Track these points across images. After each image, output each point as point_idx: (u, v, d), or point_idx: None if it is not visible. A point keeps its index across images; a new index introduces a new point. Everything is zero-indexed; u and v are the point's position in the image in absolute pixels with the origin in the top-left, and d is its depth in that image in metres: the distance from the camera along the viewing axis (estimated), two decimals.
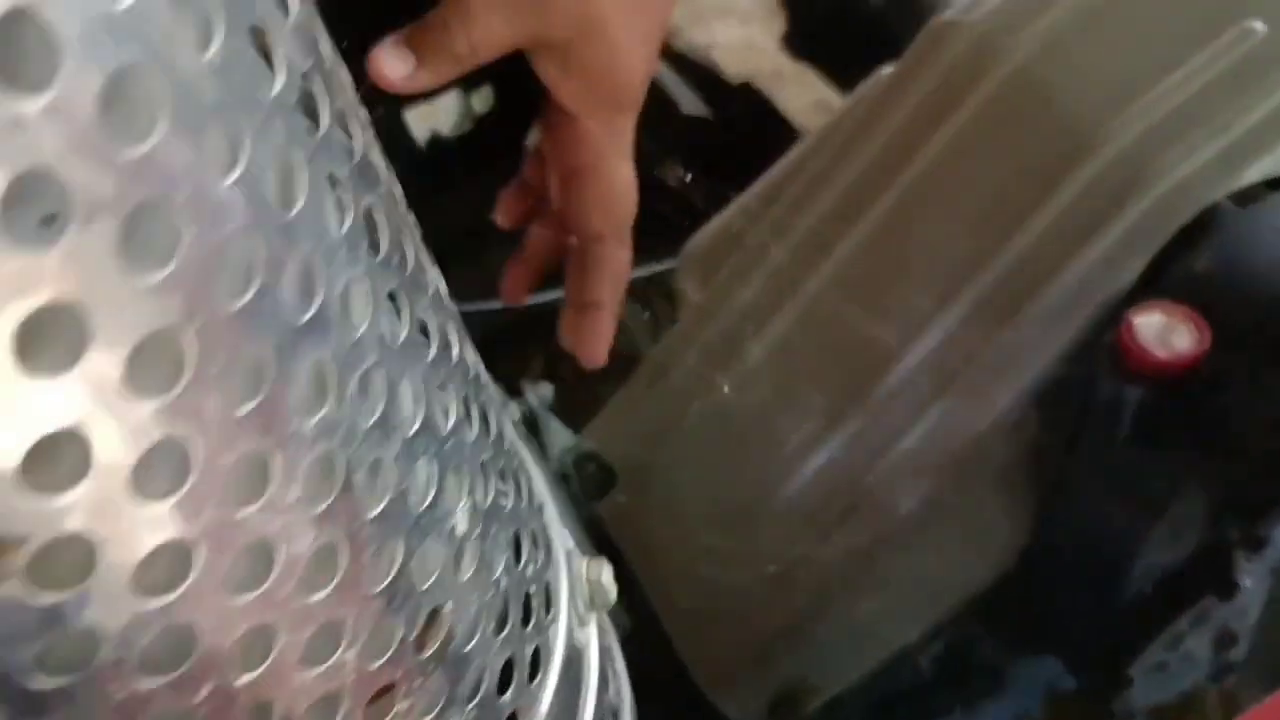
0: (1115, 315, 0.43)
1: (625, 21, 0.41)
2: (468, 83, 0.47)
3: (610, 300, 0.47)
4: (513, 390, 0.58)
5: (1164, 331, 0.40)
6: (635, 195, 0.45)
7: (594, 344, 0.48)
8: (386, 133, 0.47)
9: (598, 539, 0.62)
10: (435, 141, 0.47)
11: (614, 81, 0.42)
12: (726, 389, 0.56)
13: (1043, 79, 0.48)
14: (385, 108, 0.46)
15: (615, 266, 0.46)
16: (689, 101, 0.90)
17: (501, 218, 0.48)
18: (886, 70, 0.58)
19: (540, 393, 0.50)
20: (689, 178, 0.92)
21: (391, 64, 0.40)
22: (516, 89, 0.49)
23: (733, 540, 0.54)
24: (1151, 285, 0.42)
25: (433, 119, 0.46)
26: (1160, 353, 0.39)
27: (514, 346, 0.62)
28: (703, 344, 0.58)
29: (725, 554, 0.55)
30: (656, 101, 0.90)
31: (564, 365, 0.62)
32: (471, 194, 0.53)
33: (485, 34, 0.40)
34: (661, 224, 0.98)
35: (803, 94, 1.84)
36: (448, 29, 0.40)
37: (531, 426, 0.50)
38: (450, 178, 0.51)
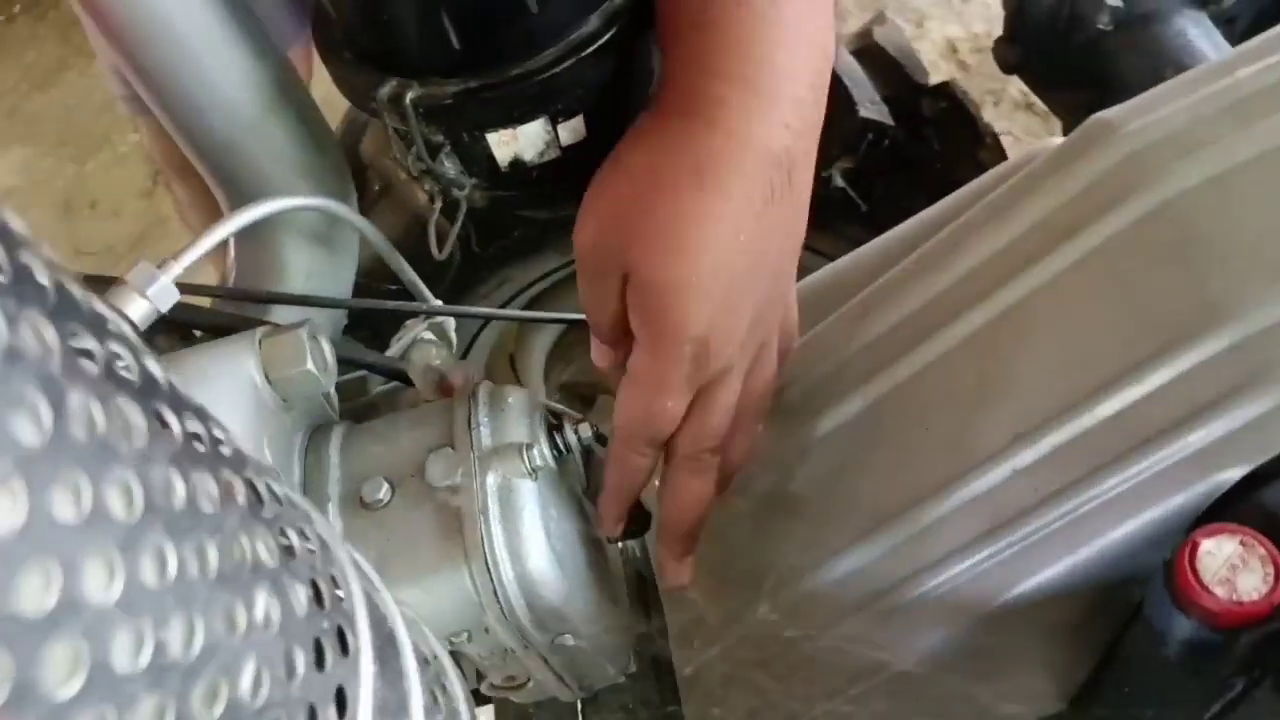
0: (1190, 523, 0.38)
1: (661, 262, 0.42)
2: (556, 114, 0.46)
3: (612, 487, 0.48)
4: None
5: (1233, 566, 0.35)
6: (659, 425, 0.46)
7: (601, 515, 0.50)
8: (470, 151, 0.46)
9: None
10: (516, 163, 0.46)
11: (660, 316, 0.42)
12: (790, 453, 0.53)
13: (1191, 219, 0.41)
14: (468, 133, 0.45)
15: (620, 464, 0.47)
16: (870, 104, 0.83)
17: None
18: (1044, 145, 0.52)
19: (582, 433, 0.49)
20: (844, 180, 0.86)
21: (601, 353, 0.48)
22: (607, 122, 0.47)
23: (761, 603, 0.52)
24: (1239, 503, 0.37)
25: (515, 146, 0.45)
26: (1220, 592, 0.34)
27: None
28: (777, 406, 0.55)
29: (749, 618, 0.53)
30: (835, 99, 0.85)
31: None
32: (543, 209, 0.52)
33: (601, 271, 0.43)
34: (821, 212, 0.94)
35: (1000, 106, 1.71)
36: (610, 298, 0.44)
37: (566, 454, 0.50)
38: (528, 196, 0.49)
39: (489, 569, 0.43)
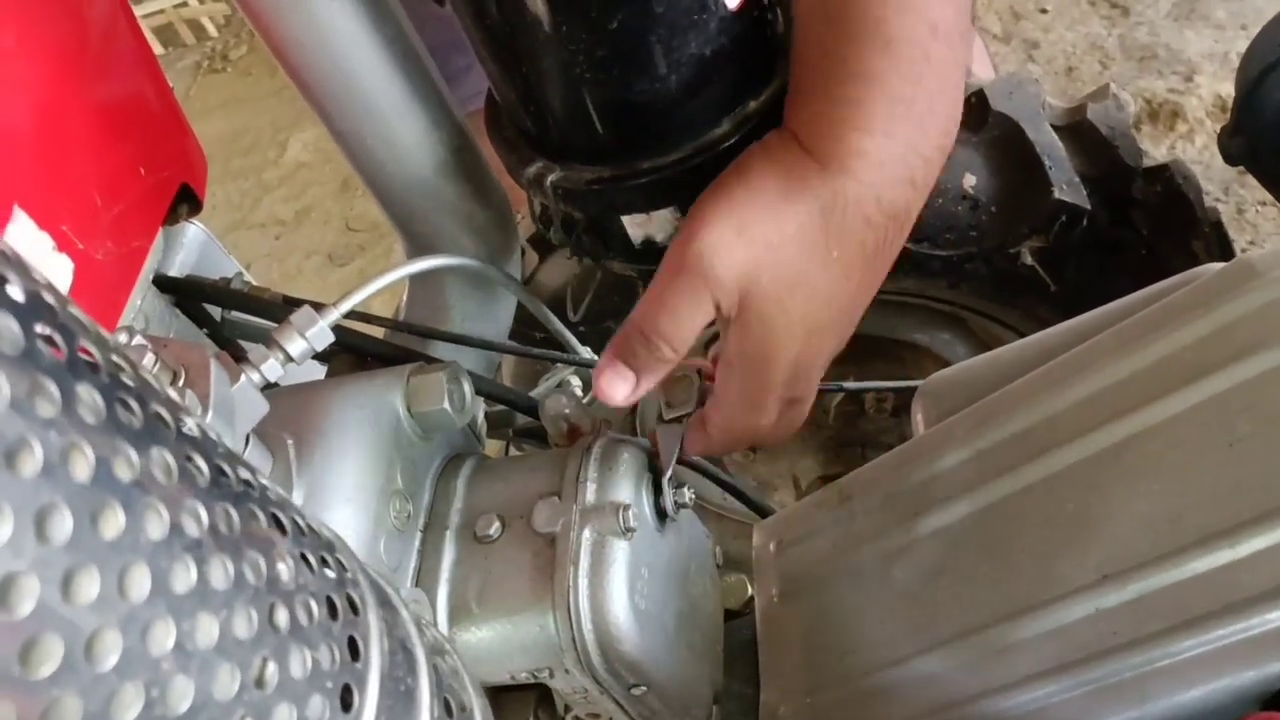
0: (1259, 703, 0.36)
1: (775, 297, 0.44)
2: (686, 201, 0.49)
3: (693, 451, 0.53)
4: None
5: None
6: (753, 439, 0.50)
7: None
8: (607, 229, 0.50)
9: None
10: (648, 243, 0.49)
11: (757, 351, 0.45)
12: (895, 545, 0.54)
13: None
14: (603, 214, 0.48)
15: (705, 449, 0.52)
16: (1067, 185, 0.81)
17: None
18: (1207, 270, 0.50)
19: (681, 499, 0.52)
20: (1035, 259, 0.84)
21: (616, 387, 0.46)
22: None
23: (833, 690, 0.53)
24: None
25: (648, 228, 0.48)
26: None
27: None
28: (895, 490, 0.56)
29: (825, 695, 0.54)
30: (1031, 177, 0.83)
31: None
32: None
33: (679, 323, 0.44)
34: (1008, 287, 0.92)
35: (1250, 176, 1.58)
36: (648, 343, 0.45)
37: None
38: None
39: (570, 617, 0.47)
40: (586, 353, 0.60)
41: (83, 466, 0.21)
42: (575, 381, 0.61)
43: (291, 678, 0.25)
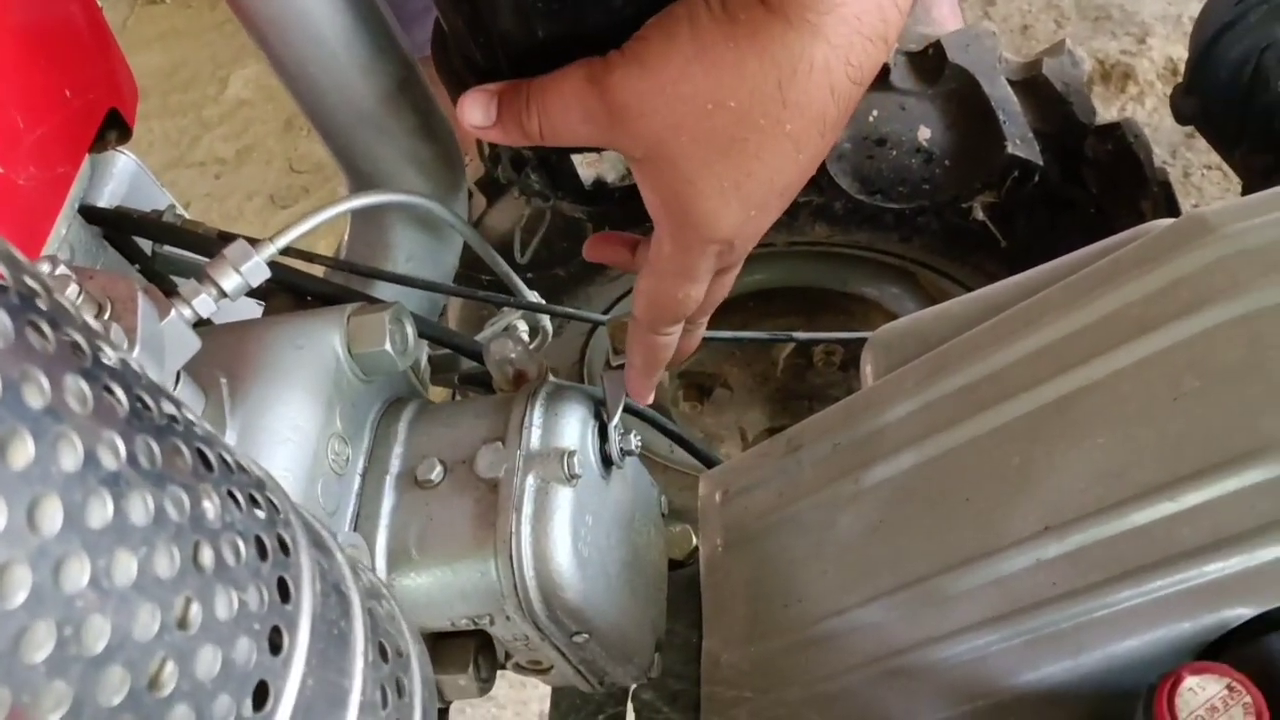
0: (1192, 654, 0.37)
1: (704, 160, 0.40)
2: None
3: (640, 365, 0.52)
4: None
5: (1212, 708, 0.34)
6: (684, 311, 0.47)
7: (630, 386, 0.53)
8: (557, 169, 0.48)
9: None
10: (599, 184, 0.48)
11: (684, 211, 0.42)
12: (841, 497, 0.54)
13: (1263, 341, 0.39)
14: (555, 152, 0.47)
15: (645, 345, 0.50)
16: (1020, 140, 0.81)
17: (588, 251, 0.50)
18: (1156, 225, 0.50)
19: (628, 445, 0.51)
20: (986, 214, 0.84)
21: (474, 112, 0.43)
22: None
23: (776, 639, 0.53)
24: (1240, 645, 0.35)
25: (599, 167, 0.47)
26: None
27: None
28: (842, 440, 0.56)
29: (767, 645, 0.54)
30: (984, 131, 0.82)
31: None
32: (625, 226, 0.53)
33: (559, 125, 0.41)
34: (959, 242, 0.92)
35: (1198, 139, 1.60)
36: (527, 106, 0.41)
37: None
38: (609, 213, 0.51)
39: (512, 564, 0.46)
40: (533, 296, 0.58)
41: None
42: (521, 326, 0.60)
43: (216, 619, 0.24)
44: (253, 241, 0.45)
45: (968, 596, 0.45)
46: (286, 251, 0.51)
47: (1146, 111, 1.79)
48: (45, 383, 0.21)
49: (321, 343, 0.49)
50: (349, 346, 0.49)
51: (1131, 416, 0.42)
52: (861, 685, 0.48)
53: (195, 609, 0.23)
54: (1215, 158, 1.75)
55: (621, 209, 0.51)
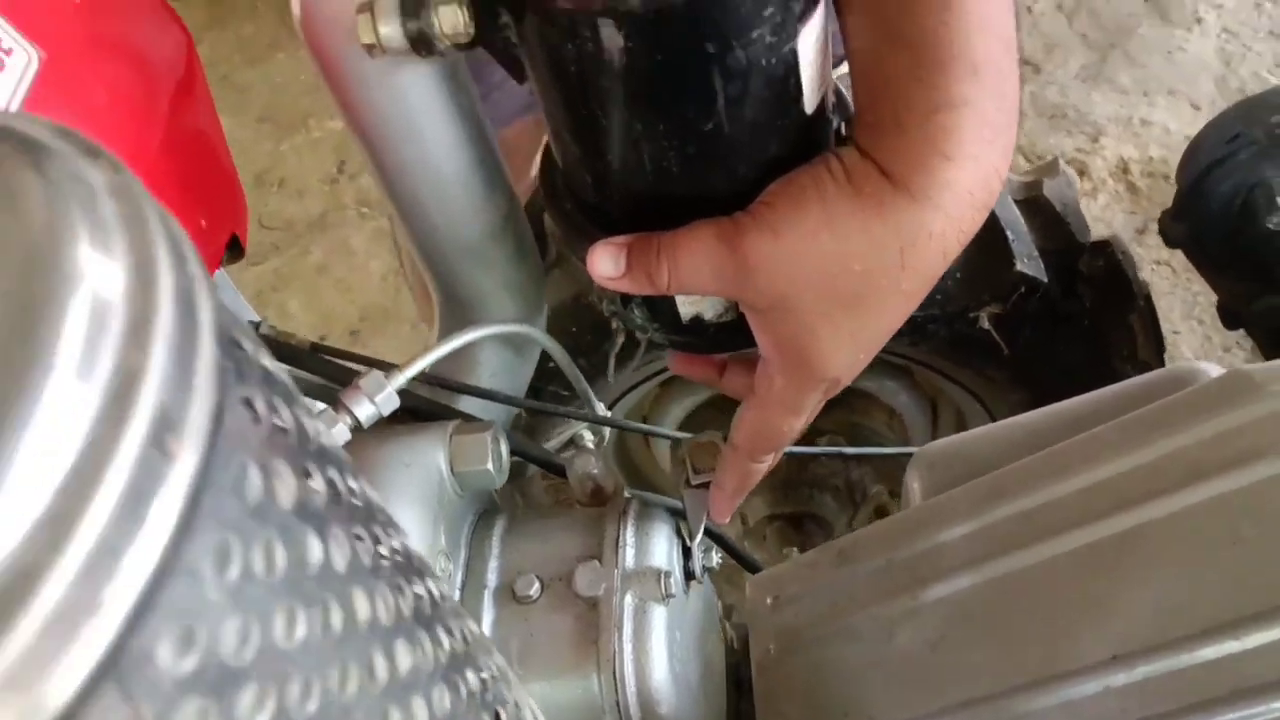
0: None
1: (825, 312, 0.44)
2: None
3: (730, 489, 0.56)
4: None
5: None
6: (786, 442, 0.52)
7: (713, 507, 0.57)
8: (658, 304, 0.52)
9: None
10: (697, 319, 0.51)
11: (802, 357, 0.46)
12: (897, 611, 0.57)
13: None
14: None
15: (739, 470, 0.54)
16: (1028, 258, 0.87)
17: (675, 366, 0.55)
18: (1186, 367, 0.55)
19: (708, 561, 0.54)
20: (991, 324, 0.89)
21: (604, 264, 0.46)
22: None
23: None
24: None
25: (699, 305, 0.50)
26: None
27: None
28: (896, 557, 0.59)
29: None
30: (994, 249, 0.88)
31: None
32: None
33: (688, 279, 0.45)
34: (963, 348, 0.97)
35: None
36: (658, 259, 0.44)
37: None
38: (700, 345, 0.55)
39: (615, 680, 0.49)
40: (601, 409, 0.62)
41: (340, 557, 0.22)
42: (588, 435, 0.63)
43: None
44: (384, 368, 0.48)
45: (1037, 716, 0.48)
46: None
47: (1100, 207, 1.89)
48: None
49: (428, 461, 0.51)
50: (452, 464, 0.52)
51: (1193, 556, 0.47)
52: None
53: None
54: (1165, 254, 1.85)
55: (711, 342, 0.54)
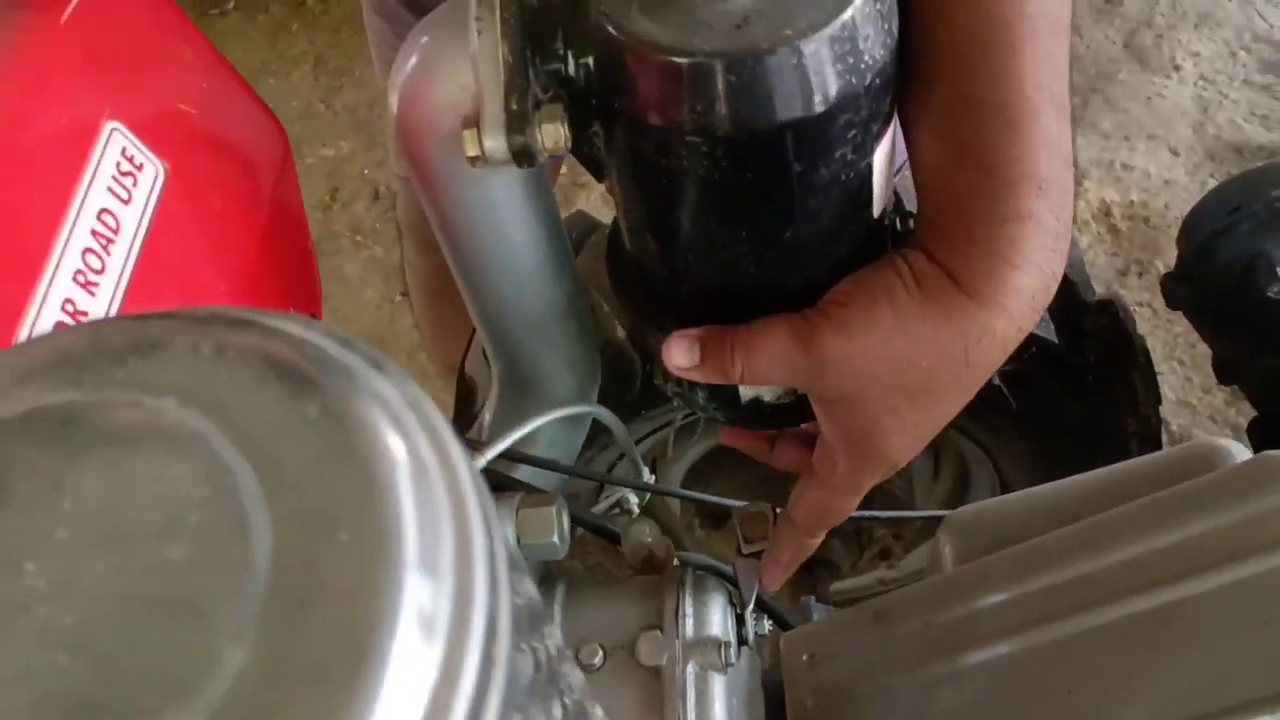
0: None
1: (891, 405, 0.47)
2: None
3: (785, 562, 0.59)
4: None
5: None
6: (842, 519, 0.55)
7: (765, 576, 0.60)
8: (720, 387, 0.55)
9: None
10: (755, 402, 0.54)
11: (867, 445, 0.49)
12: (932, 680, 0.60)
13: None
14: None
15: (795, 544, 0.58)
16: (1042, 320, 0.90)
17: (726, 437, 0.57)
18: (1205, 442, 0.59)
19: (760, 629, 0.57)
20: (1002, 380, 0.93)
21: (679, 356, 0.48)
22: None
23: None
24: None
25: (760, 390, 0.53)
26: None
27: None
28: (934, 620, 0.62)
29: None
30: None
31: None
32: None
33: (760, 372, 0.47)
34: (976, 403, 1.01)
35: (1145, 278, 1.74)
36: (731, 355, 0.47)
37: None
38: (755, 423, 0.57)
39: None
40: (648, 476, 0.64)
41: None
42: (632, 498, 0.66)
43: None
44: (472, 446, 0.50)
45: None
46: None
47: (1083, 249, 1.94)
48: None
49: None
50: (519, 537, 0.54)
51: (1227, 634, 0.50)
52: None
53: None
54: (1146, 295, 1.91)
55: (767, 421, 0.57)
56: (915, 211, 0.49)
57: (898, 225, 0.53)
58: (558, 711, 0.23)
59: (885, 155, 0.46)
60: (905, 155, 0.49)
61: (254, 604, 0.16)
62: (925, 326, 0.45)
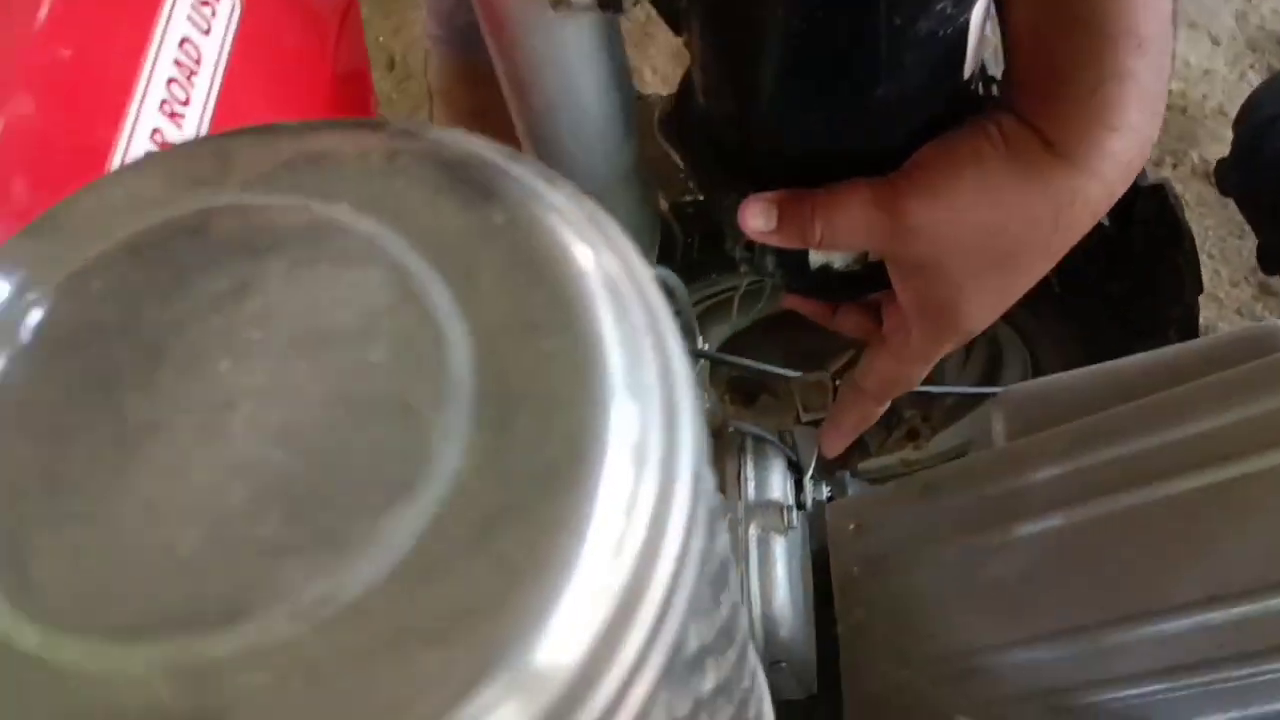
0: None
1: (974, 272, 0.46)
2: None
3: (846, 427, 0.58)
4: None
5: None
6: (912, 387, 0.54)
7: (825, 443, 0.59)
8: (789, 252, 0.54)
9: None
10: (824, 269, 0.53)
11: (944, 313, 0.48)
12: (982, 549, 0.61)
13: None
14: None
15: (861, 411, 0.57)
16: None
17: (787, 301, 0.57)
18: (1269, 325, 0.58)
19: (818, 494, 0.57)
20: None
21: (756, 219, 0.47)
22: None
23: (922, 679, 0.60)
24: None
25: (830, 255, 0.52)
26: None
27: None
28: (985, 493, 0.62)
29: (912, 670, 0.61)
30: None
31: None
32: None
33: (841, 237, 0.46)
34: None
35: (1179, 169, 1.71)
36: (811, 217, 0.46)
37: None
38: (820, 291, 0.57)
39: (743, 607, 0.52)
40: (701, 344, 0.64)
41: None
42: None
43: None
44: None
45: (1134, 649, 0.52)
46: None
47: None
48: None
49: None
50: None
51: None
52: (1018, 717, 0.56)
53: None
54: (1178, 188, 1.87)
55: (834, 291, 0.56)
56: (1000, 77, 0.48)
57: (980, 90, 0.51)
58: (724, 536, 0.23)
59: (982, 12, 0.45)
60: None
61: (462, 407, 0.16)
62: (1014, 190, 0.44)
